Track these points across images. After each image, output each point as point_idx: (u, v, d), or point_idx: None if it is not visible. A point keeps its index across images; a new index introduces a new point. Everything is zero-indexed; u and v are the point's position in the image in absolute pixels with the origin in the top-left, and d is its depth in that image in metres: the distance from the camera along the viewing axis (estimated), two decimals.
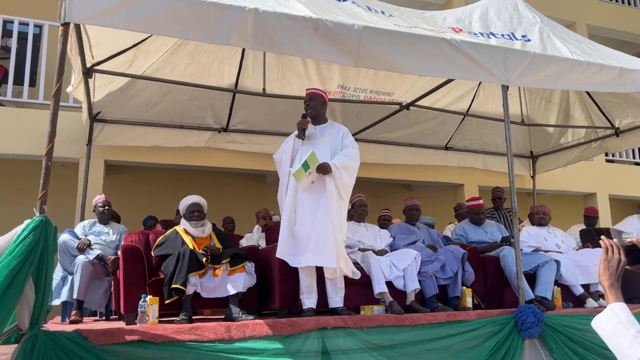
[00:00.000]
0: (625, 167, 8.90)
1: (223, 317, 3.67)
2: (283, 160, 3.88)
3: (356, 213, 4.56)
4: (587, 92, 6.03)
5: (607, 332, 1.30)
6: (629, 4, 10.20)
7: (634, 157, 8.98)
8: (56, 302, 4.22)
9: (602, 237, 1.43)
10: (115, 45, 4.53)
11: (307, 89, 4.12)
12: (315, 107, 3.90)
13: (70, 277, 4.28)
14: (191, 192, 4.29)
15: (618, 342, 1.26)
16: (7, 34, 6.00)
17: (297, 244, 3.62)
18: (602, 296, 4.72)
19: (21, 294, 2.49)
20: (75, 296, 4.14)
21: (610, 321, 1.30)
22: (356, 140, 6.48)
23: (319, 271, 3.71)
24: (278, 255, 3.64)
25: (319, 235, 3.55)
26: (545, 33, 4.52)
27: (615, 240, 1.44)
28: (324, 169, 3.63)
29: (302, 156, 3.74)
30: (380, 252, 4.26)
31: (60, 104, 3.22)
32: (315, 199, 3.65)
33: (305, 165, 3.60)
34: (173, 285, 3.44)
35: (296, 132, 3.85)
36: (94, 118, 5.53)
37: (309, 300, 3.66)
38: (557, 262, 4.47)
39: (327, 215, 3.58)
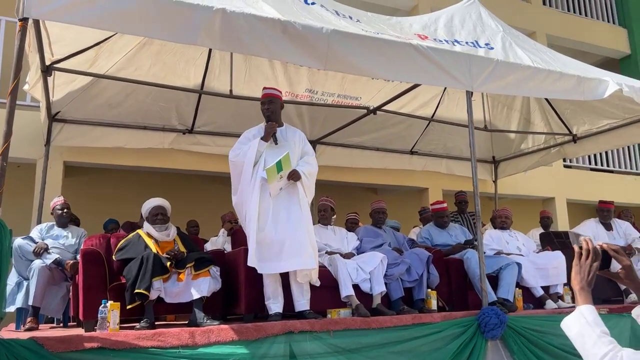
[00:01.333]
0: (582, 173, 9.24)
1: (187, 322, 3.60)
2: (245, 163, 3.69)
3: (320, 217, 4.58)
4: (547, 100, 6.23)
5: (574, 333, 1.34)
6: (587, 15, 10.60)
7: (590, 163, 9.32)
8: (10, 308, 4.04)
9: (583, 238, 1.46)
10: (77, 43, 4.40)
11: (264, 89, 3.97)
12: (275, 111, 3.83)
13: (25, 283, 4.11)
14: (154, 194, 4.19)
15: (584, 341, 1.30)
16: None
17: (266, 250, 3.52)
18: (560, 297, 4.87)
19: None
20: (31, 302, 3.98)
21: (578, 322, 1.34)
22: (323, 143, 6.59)
23: (283, 275, 3.68)
24: (250, 264, 3.50)
25: (294, 239, 3.51)
26: (507, 42, 4.64)
27: (595, 245, 1.46)
28: (295, 176, 3.63)
29: (266, 160, 3.68)
30: (347, 255, 4.26)
31: (18, 102, 3.09)
32: (282, 204, 3.61)
33: (279, 166, 3.55)
34: (136, 290, 3.35)
35: (254, 132, 3.77)
36: (52, 118, 5.35)
37: (275, 305, 3.62)
38: (519, 265, 4.58)
39: (300, 219, 3.57)
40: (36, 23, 3.53)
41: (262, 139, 3.72)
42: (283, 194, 3.64)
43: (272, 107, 3.82)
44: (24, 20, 2.81)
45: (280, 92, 4.02)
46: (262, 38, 3.19)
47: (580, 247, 1.45)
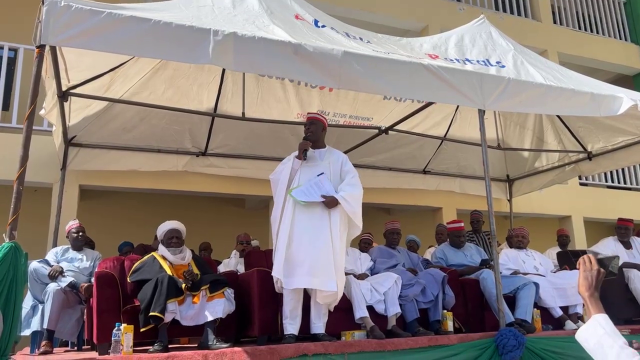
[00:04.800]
0: (599, 190, 9.10)
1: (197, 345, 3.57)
2: (280, 181, 3.81)
3: None
4: (560, 118, 6.19)
5: (593, 344, 1.28)
6: (598, 32, 10.59)
7: (606, 181, 9.18)
8: (26, 332, 4.05)
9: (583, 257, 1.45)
10: (92, 69, 4.49)
11: (308, 113, 4.18)
12: (315, 132, 3.92)
13: (40, 306, 4.12)
14: (168, 217, 4.21)
15: (605, 352, 1.25)
16: None
17: (291, 265, 3.53)
18: (580, 318, 4.75)
19: None
20: (45, 325, 3.98)
21: (596, 333, 1.29)
22: None
23: (305, 296, 3.66)
24: (274, 274, 3.54)
25: (317, 261, 3.51)
26: (519, 60, 4.64)
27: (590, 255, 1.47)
28: (331, 203, 3.64)
29: (300, 178, 3.74)
30: (361, 276, 4.22)
31: (35, 127, 3.15)
32: (315, 224, 3.62)
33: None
34: (151, 313, 3.34)
35: (295, 153, 3.83)
36: (69, 142, 5.43)
37: (291, 325, 3.59)
38: (536, 285, 4.49)
39: (329, 241, 3.57)
40: (53, 50, 3.61)
41: (296, 157, 3.80)
42: (318, 214, 3.64)
43: (312, 128, 3.93)
44: (41, 47, 2.88)
45: (324, 117, 4.13)
46: (275, 58, 3.23)
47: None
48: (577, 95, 4.27)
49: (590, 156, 6.40)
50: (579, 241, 8.33)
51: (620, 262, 5.03)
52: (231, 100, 5.48)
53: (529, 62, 4.64)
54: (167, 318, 3.41)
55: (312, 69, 3.33)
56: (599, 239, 5.95)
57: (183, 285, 3.53)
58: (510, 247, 5.47)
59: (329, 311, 3.72)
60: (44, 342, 3.94)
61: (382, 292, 3.99)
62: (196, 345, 3.71)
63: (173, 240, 3.91)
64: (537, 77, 4.33)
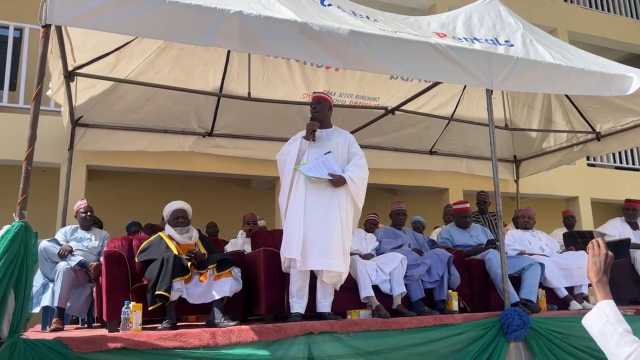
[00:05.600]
0: (607, 171, 9.05)
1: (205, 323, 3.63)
2: (287, 161, 3.79)
3: None
4: (569, 98, 6.12)
5: (596, 331, 1.31)
6: (609, 10, 10.39)
7: (614, 161, 9.12)
8: (36, 309, 4.13)
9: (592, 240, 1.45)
10: (98, 49, 4.47)
11: (314, 92, 4.13)
12: (322, 111, 3.89)
13: (51, 284, 4.19)
14: (175, 197, 4.24)
15: (606, 340, 1.27)
16: None
17: (304, 247, 3.53)
18: (585, 299, 4.77)
19: (5, 300, 2.43)
20: (56, 303, 4.06)
21: (599, 320, 1.31)
22: None
23: (312, 276, 3.69)
24: (293, 255, 3.52)
25: (325, 241, 3.53)
26: (527, 39, 4.57)
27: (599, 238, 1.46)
28: (339, 182, 3.63)
29: (309, 159, 3.74)
30: (367, 256, 4.25)
31: (43, 108, 3.16)
32: (325, 205, 3.62)
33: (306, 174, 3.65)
34: (157, 292, 3.39)
35: (302, 133, 3.81)
36: (75, 122, 5.44)
37: (298, 304, 3.63)
38: (542, 265, 4.51)
39: (338, 222, 3.58)
40: (58, 29, 3.60)
41: (304, 137, 3.77)
42: (325, 194, 3.65)
43: (319, 108, 3.89)
44: (47, 27, 2.87)
45: (330, 97, 4.09)
46: (280, 38, 3.20)
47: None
48: (587, 75, 4.21)
49: (598, 137, 6.34)
50: (585, 222, 8.31)
51: None
52: (237, 80, 5.46)
53: (538, 41, 4.57)
54: (174, 296, 3.45)
55: (318, 48, 3.30)
56: (606, 219, 5.94)
57: (189, 264, 3.56)
58: (517, 228, 5.47)
59: (335, 290, 3.76)
60: (55, 320, 4.02)
61: (388, 272, 4.01)
62: (204, 323, 3.77)
63: (179, 219, 3.95)
64: (546, 56, 4.27)
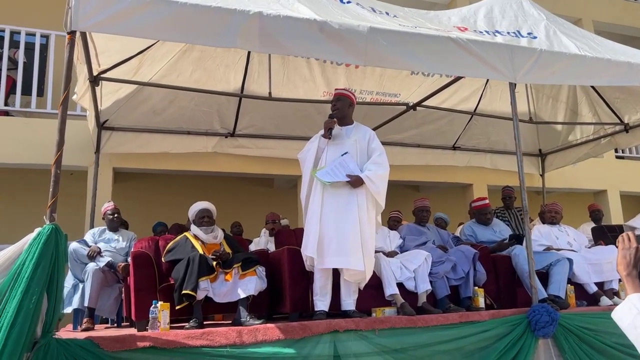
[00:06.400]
0: (636, 164, 8.82)
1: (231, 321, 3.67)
2: (307, 159, 3.81)
3: None
4: (595, 90, 5.99)
5: (627, 324, 1.28)
6: None
7: None
8: (68, 309, 4.23)
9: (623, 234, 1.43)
10: (122, 53, 4.55)
11: (335, 89, 4.11)
12: (342, 108, 3.87)
13: (81, 285, 4.29)
14: (199, 198, 4.30)
15: (638, 333, 1.24)
16: (14, 44, 6.06)
17: (321, 245, 3.55)
18: (616, 294, 4.66)
19: (41, 299, 2.50)
20: (86, 303, 4.15)
21: (630, 313, 1.29)
22: None
23: (335, 274, 3.70)
24: (307, 253, 3.57)
25: (343, 239, 3.52)
26: (551, 30, 4.48)
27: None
28: (356, 183, 3.63)
29: (327, 157, 3.74)
30: (390, 254, 4.23)
31: (69, 112, 3.22)
32: (342, 204, 3.62)
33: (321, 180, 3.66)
34: (183, 291, 3.43)
35: (322, 132, 3.81)
36: (101, 126, 5.56)
37: (321, 302, 3.63)
38: (570, 260, 4.42)
39: (356, 221, 3.57)
40: (83, 35, 3.67)
41: (322, 135, 3.78)
42: (345, 194, 3.64)
43: (339, 105, 3.87)
44: (72, 33, 2.94)
45: (352, 93, 4.05)
46: (300, 38, 3.21)
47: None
48: (614, 65, 4.11)
49: (627, 128, 6.18)
50: (614, 216, 8.12)
51: None
52: (257, 81, 5.50)
53: (562, 32, 4.48)
54: (200, 295, 3.50)
55: (338, 46, 3.29)
56: (636, 213, 5.79)
57: (214, 263, 3.61)
58: (543, 223, 5.38)
59: (359, 289, 3.75)
60: (85, 319, 4.12)
61: (412, 270, 3.99)
62: (230, 321, 3.81)
63: (204, 219, 4.00)
64: (570, 47, 4.19)
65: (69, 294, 4.28)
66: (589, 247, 5.06)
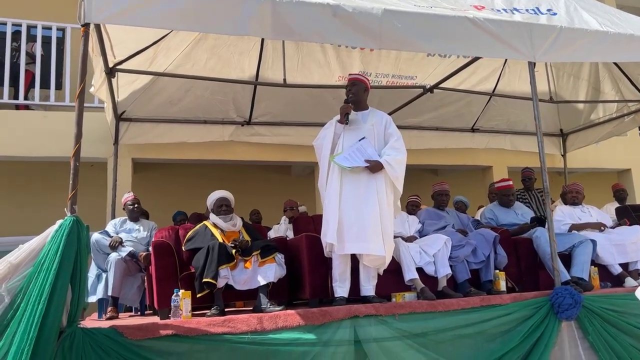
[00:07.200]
0: None
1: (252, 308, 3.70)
2: (323, 146, 3.78)
3: None
4: (617, 66, 5.82)
5: None
6: None
7: None
8: (92, 299, 4.31)
9: None
10: (136, 44, 4.57)
11: (349, 74, 4.05)
12: (356, 93, 3.83)
13: (104, 275, 4.37)
14: (217, 186, 4.32)
15: None
16: (32, 38, 6.12)
17: (340, 231, 3.54)
18: None
19: (67, 290, 2.55)
20: (110, 293, 4.23)
21: None
22: None
23: (353, 259, 3.70)
24: (329, 240, 3.55)
25: (362, 225, 3.51)
26: (571, 6, 4.35)
27: None
28: (376, 168, 3.60)
29: (344, 143, 3.71)
30: (410, 239, 4.21)
31: (86, 104, 3.26)
32: (362, 189, 3.60)
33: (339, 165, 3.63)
34: (204, 280, 3.47)
35: (337, 117, 3.78)
36: (119, 117, 5.61)
37: (341, 288, 3.64)
38: (593, 242, 4.34)
39: (376, 206, 3.55)
40: (97, 28, 3.69)
41: (338, 121, 3.75)
42: (363, 179, 3.63)
43: (354, 90, 3.83)
44: (86, 25, 2.95)
45: (366, 78, 4.00)
46: (313, 23, 3.17)
47: None
48: (637, 40, 3.99)
49: None
50: (639, 195, 7.95)
51: None
52: (272, 67, 5.47)
53: (582, 8, 4.35)
54: (220, 283, 3.53)
55: (352, 30, 3.25)
56: None
57: (233, 251, 3.63)
58: (565, 204, 5.28)
59: (379, 274, 3.75)
60: (109, 308, 4.20)
61: (432, 254, 3.97)
62: (251, 308, 3.84)
63: (223, 208, 4.03)
64: (592, 23, 4.06)
65: (93, 283, 4.36)
66: (613, 228, 4.96)
